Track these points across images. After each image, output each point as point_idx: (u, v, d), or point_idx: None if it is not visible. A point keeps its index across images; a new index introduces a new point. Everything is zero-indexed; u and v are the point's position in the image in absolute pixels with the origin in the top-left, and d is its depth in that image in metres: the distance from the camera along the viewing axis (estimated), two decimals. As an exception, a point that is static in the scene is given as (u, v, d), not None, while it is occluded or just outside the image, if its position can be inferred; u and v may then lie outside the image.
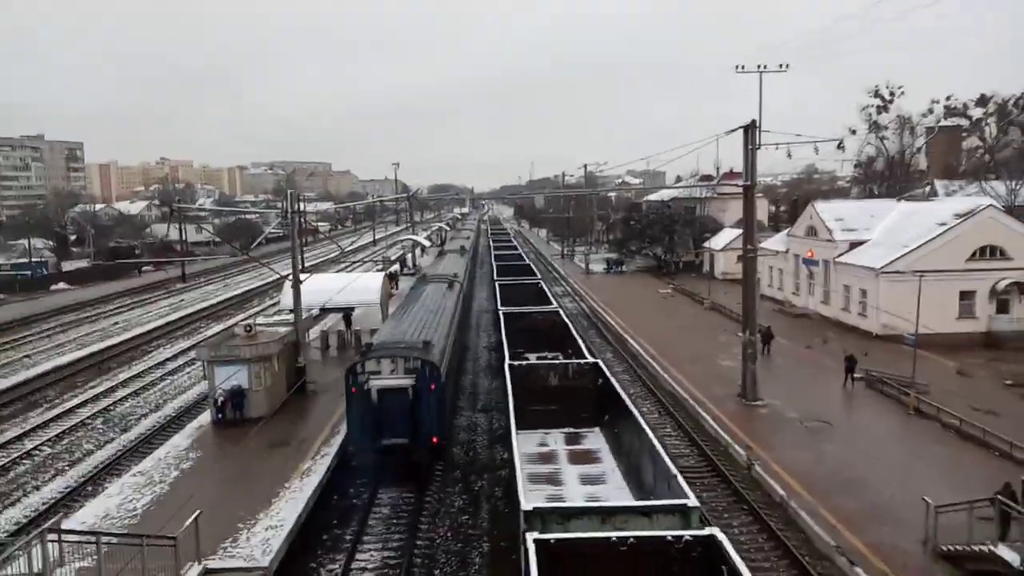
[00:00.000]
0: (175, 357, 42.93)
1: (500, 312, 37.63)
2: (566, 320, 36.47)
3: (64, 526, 18.65)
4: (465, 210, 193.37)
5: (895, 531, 19.03)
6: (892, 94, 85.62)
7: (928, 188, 76.10)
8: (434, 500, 23.09)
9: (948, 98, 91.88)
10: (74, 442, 29.28)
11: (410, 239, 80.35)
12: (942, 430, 27.07)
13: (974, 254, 42.30)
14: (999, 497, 16.96)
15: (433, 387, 23.30)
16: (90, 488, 24.69)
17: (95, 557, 14.22)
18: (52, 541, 13.14)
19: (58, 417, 31.99)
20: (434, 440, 23.34)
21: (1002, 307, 42.15)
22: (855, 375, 32.77)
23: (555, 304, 42.04)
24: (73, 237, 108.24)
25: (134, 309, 61.63)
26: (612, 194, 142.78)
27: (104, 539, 14.79)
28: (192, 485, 21.15)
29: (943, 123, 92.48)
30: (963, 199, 53.02)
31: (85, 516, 19.65)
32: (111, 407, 33.51)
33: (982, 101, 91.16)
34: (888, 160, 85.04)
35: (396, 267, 70.97)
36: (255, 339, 28.13)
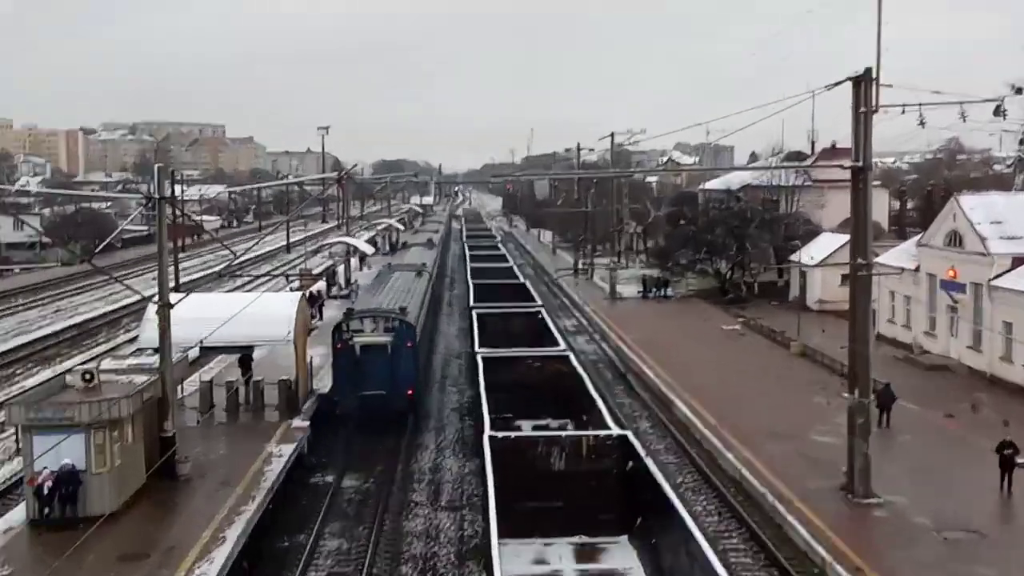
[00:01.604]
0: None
1: (478, 357, 37.47)
2: (579, 369, 36.34)
3: None
4: (429, 199, 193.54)
5: None
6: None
7: None
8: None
9: None
10: None
11: (342, 242, 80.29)
12: None
13: None
14: None
15: (410, 345, 38.72)
16: None
17: None
18: None
19: None
20: (409, 392, 38.63)
21: None
22: (1018, 462, 32.52)
23: (563, 344, 41.89)
24: None
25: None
26: (652, 179, 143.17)
27: None
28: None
29: None
30: None
31: None
32: None
33: None
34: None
35: (321, 285, 70.76)
36: (98, 393, 27.81)
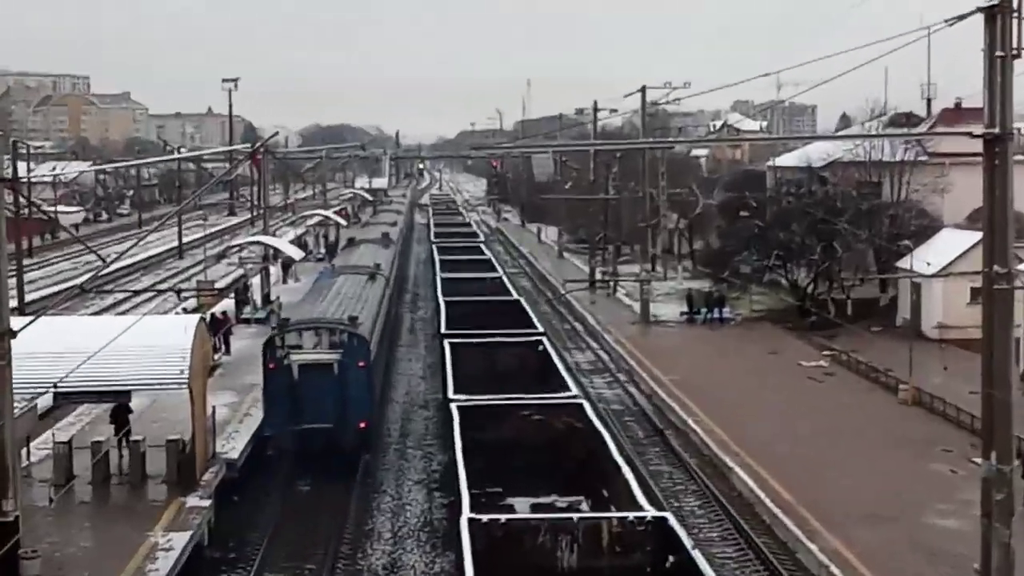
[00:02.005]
0: None
1: (453, 407, 37.37)
2: (597, 424, 36.24)
3: None
4: (381, 181, 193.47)
5: None
6: None
7: None
8: None
9: None
10: None
11: (258, 243, 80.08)
12: None
13: None
14: None
15: (362, 364, 42.92)
16: None
17: None
18: None
19: None
20: (362, 424, 42.72)
21: None
22: None
23: (574, 389, 41.82)
24: None
25: None
26: (701, 152, 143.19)
27: None
28: None
29: None
30: None
31: None
32: None
33: None
34: None
35: (227, 304, 70.58)
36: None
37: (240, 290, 75.91)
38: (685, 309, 79.87)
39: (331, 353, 42.71)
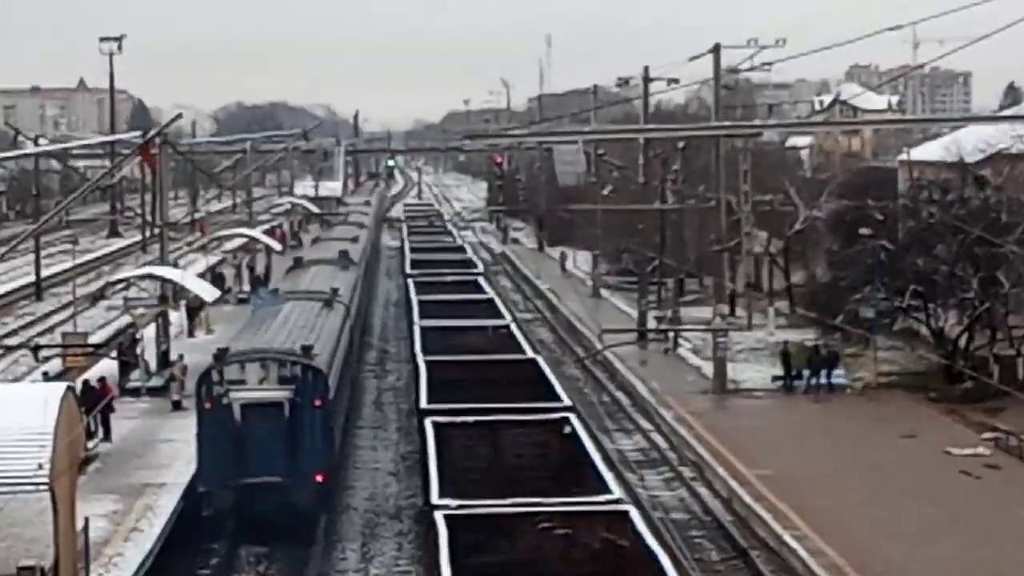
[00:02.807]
0: None
1: (439, 517, 37.53)
2: (650, 542, 36.39)
3: None
4: (334, 185, 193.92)
5: None
6: None
7: None
8: None
9: None
10: None
11: (153, 278, 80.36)
12: None
13: None
14: None
15: (319, 403, 48.24)
16: None
17: None
18: None
19: None
20: (319, 478, 47.99)
21: None
22: None
23: (615, 490, 41.95)
24: None
25: None
26: (801, 141, 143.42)
27: None
28: None
29: None
30: None
31: None
32: None
33: None
34: None
35: (107, 368, 70.72)
36: None
37: (126, 346, 76.02)
38: (779, 372, 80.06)
39: (281, 390, 47.90)
